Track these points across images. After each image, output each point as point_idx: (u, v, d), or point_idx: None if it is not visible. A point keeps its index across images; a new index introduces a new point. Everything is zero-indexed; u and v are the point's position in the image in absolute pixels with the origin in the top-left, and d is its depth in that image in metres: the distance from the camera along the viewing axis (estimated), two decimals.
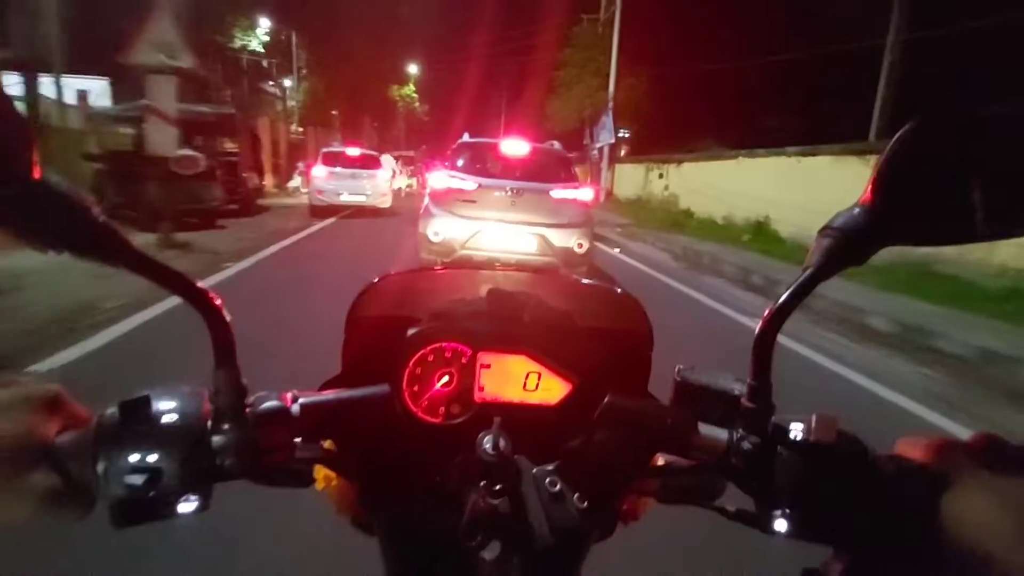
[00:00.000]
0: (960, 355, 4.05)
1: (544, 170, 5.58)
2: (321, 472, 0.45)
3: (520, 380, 0.50)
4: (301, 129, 24.88)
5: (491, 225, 5.12)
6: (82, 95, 15.38)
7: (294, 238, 8.54)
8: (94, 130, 10.96)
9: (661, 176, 15.87)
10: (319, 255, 7.32)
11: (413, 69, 37.33)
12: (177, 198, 7.00)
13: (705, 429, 0.39)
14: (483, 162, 5.76)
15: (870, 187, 0.33)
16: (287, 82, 25.62)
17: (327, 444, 0.43)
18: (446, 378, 0.49)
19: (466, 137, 6.18)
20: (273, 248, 7.38)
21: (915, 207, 0.32)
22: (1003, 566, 0.29)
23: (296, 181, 18.08)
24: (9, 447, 0.31)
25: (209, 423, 0.35)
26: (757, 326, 0.37)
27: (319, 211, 11.70)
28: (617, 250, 9.08)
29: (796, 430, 0.36)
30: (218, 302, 0.36)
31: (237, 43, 22.23)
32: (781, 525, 0.36)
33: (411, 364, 0.49)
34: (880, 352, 4.29)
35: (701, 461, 0.40)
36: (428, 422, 0.49)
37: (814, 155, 9.40)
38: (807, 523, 0.35)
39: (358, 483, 0.43)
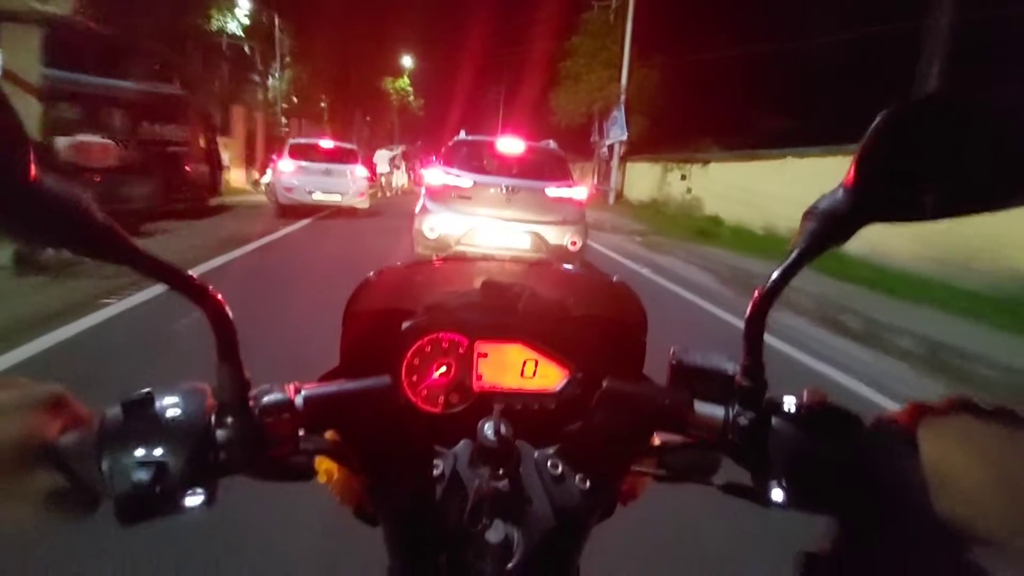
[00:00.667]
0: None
1: (539, 168, 5.58)
2: (323, 464, 0.45)
3: (517, 368, 0.53)
4: (286, 120, 22.95)
5: (486, 221, 5.11)
6: None
7: (250, 247, 6.70)
8: None
9: (684, 177, 14.08)
10: (278, 274, 5.45)
11: (408, 62, 35.63)
12: None
13: (701, 407, 0.40)
14: (479, 159, 5.72)
15: (852, 169, 0.34)
16: (269, 70, 23.70)
17: (329, 436, 0.42)
18: (444, 368, 0.52)
19: (463, 134, 6.10)
20: (217, 261, 5.58)
21: (893, 187, 0.34)
22: (987, 525, 0.30)
23: (269, 176, 16.20)
24: (12, 449, 0.32)
25: (213, 418, 0.35)
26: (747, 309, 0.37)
27: (288, 211, 9.92)
28: (647, 270, 7.34)
29: (789, 404, 0.38)
30: (219, 297, 0.35)
31: (214, 25, 20.45)
32: (778, 496, 0.36)
33: (409, 355, 0.52)
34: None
35: (698, 439, 0.41)
36: (429, 411, 0.52)
37: None
38: (802, 493, 0.36)
39: (362, 473, 0.42)
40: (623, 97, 16.37)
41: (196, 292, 0.35)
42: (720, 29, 17.12)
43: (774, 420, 0.37)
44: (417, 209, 5.36)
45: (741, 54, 16.06)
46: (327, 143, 11.01)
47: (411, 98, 37.99)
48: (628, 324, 0.54)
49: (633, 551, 1.40)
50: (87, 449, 0.33)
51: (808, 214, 0.36)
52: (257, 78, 23.68)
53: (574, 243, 5.22)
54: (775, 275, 0.36)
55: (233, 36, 21.39)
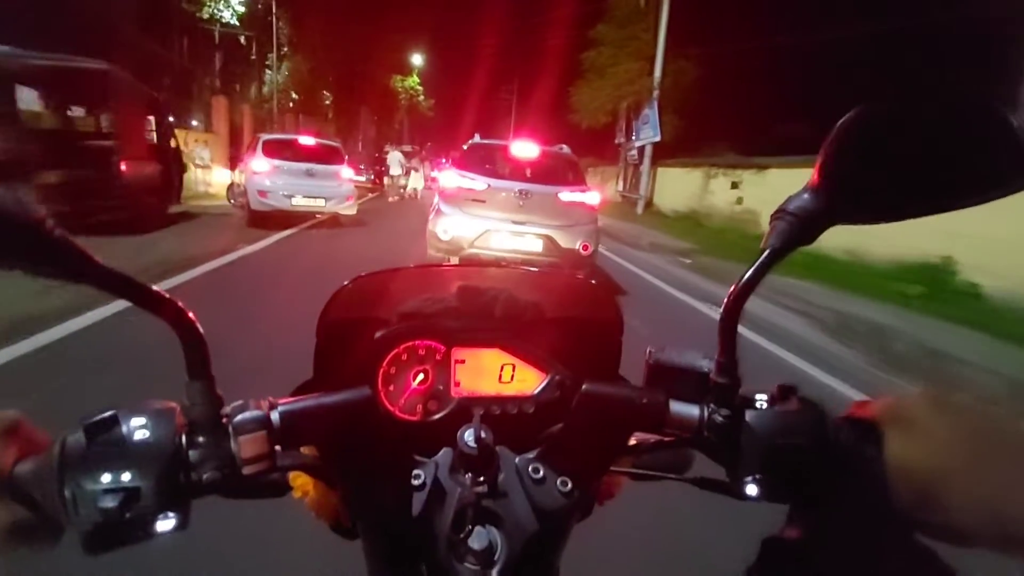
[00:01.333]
0: None
1: (552, 172, 5.57)
2: (298, 479, 0.44)
3: (495, 373, 0.53)
4: (279, 114, 21.22)
5: (499, 225, 5.10)
6: None
7: (201, 270, 4.98)
8: None
9: (735, 185, 12.11)
10: (225, 320, 3.51)
11: (418, 60, 33.92)
12: None
13: (677, 406, 0.40)
14: (493, 163, 5.67)
15: (816, 172, 0.35)
16: (265, 61, 21.98)
17: (305, 450, 0.41)
18: (421, 376, 0.52)
19: (477, 138, 6.05)
20: (103, 311, 3.57)
21: (856, 190, 0.35)
22: (950, 516, 0.31)
23: (237, 176, 14.37)
24: None
25: (184, 438, 0.34)
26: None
27: (261, 219, 8.12)
28: (710, 308, 5.40)
29: (761, 399, 0.39)
30: (190, 314, 0.34)
31: (206, 13, 18.82)
32: (752, 490, 0.37)
33: (385, 364, 0.51)
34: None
35: (675, 437, 0.41)
36: (407, 421, 0.52)
37: None
38: (774, 486, 0.37)
39: (341, 487, 0.42)
40: (656, 92, 14.43)
41: (164, 307, 0.33)
42: (773, 14, 14.96)
43: (747, 415, 0.38)
44: (432, 211, 5.32)
45: (801, 41, 13.76)
46: (308, 139, 9.12)
47: (421, 97, 36.29)
48: (604, 325, 0.55)
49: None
50: (47, 476, 0.31)
51: (777, 214, 0.36)
52: (255, 71, 22.01)
53: (586, 247, 5.16)
54: (747, 274, 0.37)
55: (227, 25, 19.84)
